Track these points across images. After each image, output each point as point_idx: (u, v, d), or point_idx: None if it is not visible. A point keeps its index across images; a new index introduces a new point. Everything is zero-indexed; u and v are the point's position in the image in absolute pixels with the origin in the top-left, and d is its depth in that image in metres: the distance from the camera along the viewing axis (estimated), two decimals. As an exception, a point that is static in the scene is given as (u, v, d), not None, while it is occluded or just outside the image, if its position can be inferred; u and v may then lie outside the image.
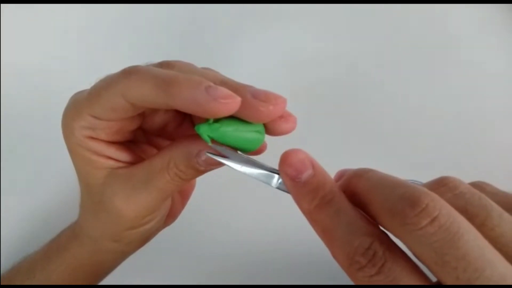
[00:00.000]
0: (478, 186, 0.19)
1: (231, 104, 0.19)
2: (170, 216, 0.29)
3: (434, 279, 0.16)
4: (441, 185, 0.18)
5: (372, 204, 0.18)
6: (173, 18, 0.46)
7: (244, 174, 0.21)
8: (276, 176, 0.21)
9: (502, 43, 0.46)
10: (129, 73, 0.21)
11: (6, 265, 0.35)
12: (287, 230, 0.39)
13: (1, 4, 0.45)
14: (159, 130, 0.26)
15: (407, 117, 0.43)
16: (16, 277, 0.32)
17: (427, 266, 0.16)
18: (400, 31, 0.47)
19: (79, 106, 0.22)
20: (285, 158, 0.19)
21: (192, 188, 0.30)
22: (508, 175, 0.39)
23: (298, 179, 0.19)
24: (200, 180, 0.30)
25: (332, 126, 0.43)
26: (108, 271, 0.30)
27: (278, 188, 0.21)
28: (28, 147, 0.42)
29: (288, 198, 0.37)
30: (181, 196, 0.30)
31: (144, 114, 0.25)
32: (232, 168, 0.21)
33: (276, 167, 0.20)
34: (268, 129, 0.22)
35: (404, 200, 0.16)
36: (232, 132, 0.21)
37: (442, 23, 0.47)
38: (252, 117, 0.20)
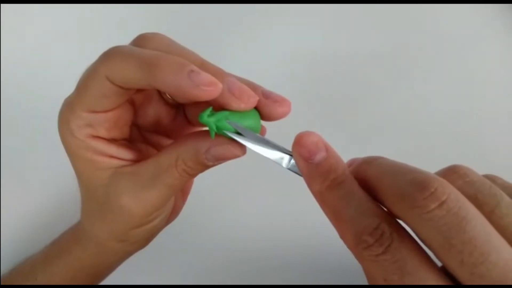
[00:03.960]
0: (489, 177, 0.19)
1: (213, 91, 0.20)
2: (173, 213, 0.29)
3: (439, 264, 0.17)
4: (451, 173, 0.18)
5: (382, 189, 0.18)
6: (174, 17, 0.46)
7: (258, 153, 0.21)
8: (288, 157, 0.21)
9: (502, 43, 0.46)
10: (110, 54, 0.21)
11: (6, 265, 0.35)
12: (288, 227, 0.39)
13: (1, 4, 0.44)
14: (153, 125, 0.26)
15: (408, 116, 0.43)
16: (17, 279, 0.32)
17: (433, 250, 0.16)
18: (401, 31, 0.47)
19: (71, 105, 0.22)
20: (299, 140, 0.20)
21: (191, 183, 0.30)
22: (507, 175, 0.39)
23: (311, 161, 0.19)
24: (198, 180, 0.30)
25: (334, 123, 0.43)
26: (110, 271, 0.30)
27: (289, 169, 0.21)
28: (28, 148, 0.41)
29: (288, 195, 0.38)
30: (181, 192, 0.30)
31: (135, 105, 0.25)
32: (247, 147, 0.21)
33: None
34: (264, 115, 0.22)
35: (413, 184, 0.16)
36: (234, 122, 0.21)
37: (442, 23, 0.47)
38: (228, 105, 0.21)
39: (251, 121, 0.22)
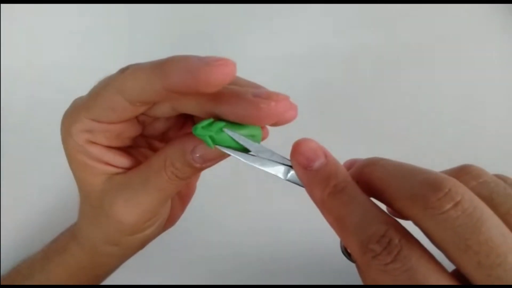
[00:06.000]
0: (500, 177, 0.19)
1: (224, 66, 0.18)
2: (169, 221, 0.28)
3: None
4: (464, 173, 0.18)
5: (389, 190, 0.18)
6: (175, 18, 0.46)
7: (253, 167, 0.20)
8: (287, 168, 0.20)
9: (502, 43, 0.46)
10: (125, 68, 0.21)
11: (6, 266, 0.35)
12: (286, 231, 0.39)
13: (1, 4, 0.44)
14: (161, 136, 0.26)
15: (408, 117, 0.43)
16: (16, 278, 0.32)
17: (447, 252, 0.16)
18: (401, 32, 0.47)
19: (78, 109, 0.22)
20: (296, 147, 0.19)
21: (192, 192, 0.30)
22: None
23: (310, 168, 0.19)
24: (200, 180, 0.30)
25: (332, 124, 0.43)
26: (107, 273, 0.30)
27: (288, 180, 0.20)
28: (29, 149, 0.41)
29: (285, 200, 0.38)
30: (180, 200, 0.29)
31: (144, 123, 0.24)
32: (240, 161, 0.20)
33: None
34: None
35: (426, 184, 0.16)
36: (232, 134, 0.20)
37: (441, 23, 0.47)
38: (252, 115, 0.19)
39: (252, 129, 0.20)
